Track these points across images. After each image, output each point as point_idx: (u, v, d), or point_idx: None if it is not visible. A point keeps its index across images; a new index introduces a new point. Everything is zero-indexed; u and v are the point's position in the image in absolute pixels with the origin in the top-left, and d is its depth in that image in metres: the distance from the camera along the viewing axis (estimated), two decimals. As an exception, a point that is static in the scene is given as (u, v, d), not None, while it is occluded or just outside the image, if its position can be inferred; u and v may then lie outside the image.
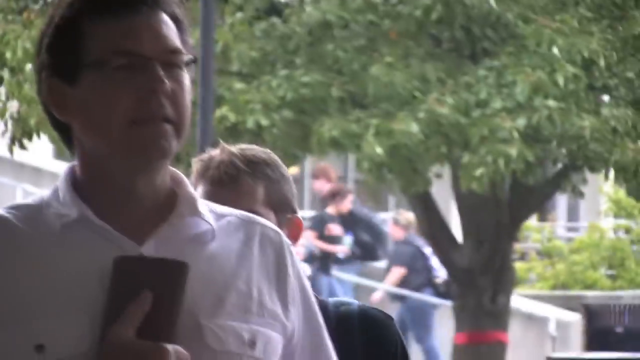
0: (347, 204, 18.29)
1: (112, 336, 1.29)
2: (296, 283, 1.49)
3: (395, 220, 18.74)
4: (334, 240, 17.96)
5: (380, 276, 18.37)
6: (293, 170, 21.34)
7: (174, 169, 1.49)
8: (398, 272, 17.68)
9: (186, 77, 1.41)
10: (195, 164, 2.32)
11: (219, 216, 1.48)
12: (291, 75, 13.41)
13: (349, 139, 13.28)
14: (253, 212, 1.65)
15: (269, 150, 2.41)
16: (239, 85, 13.62)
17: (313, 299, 1.54)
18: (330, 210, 18.29)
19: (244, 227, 1.49)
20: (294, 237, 2.32)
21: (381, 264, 18.73)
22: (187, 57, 1.42)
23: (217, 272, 1.42)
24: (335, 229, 17.91)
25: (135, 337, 1.30)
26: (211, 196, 2.05)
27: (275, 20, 13.64)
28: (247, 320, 1.42)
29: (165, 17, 1.40)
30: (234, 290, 1.42)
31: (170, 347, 1.30)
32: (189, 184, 1.50)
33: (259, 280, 1.44)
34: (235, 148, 2.34)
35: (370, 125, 13.13)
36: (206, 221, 1.45)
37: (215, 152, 2.33)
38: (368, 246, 18.38)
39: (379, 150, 12.97)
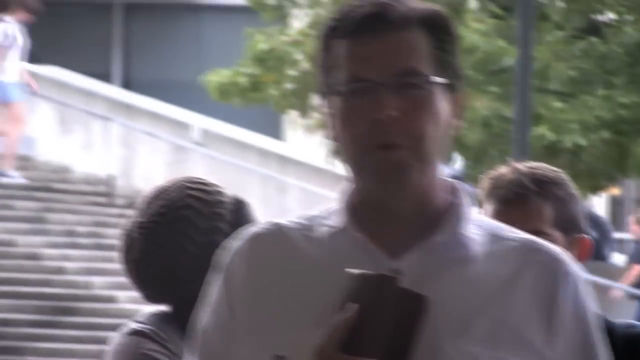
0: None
1: (319, 349, 1.27)
2: (571, 311, 1.39)
3: (637, 219, 18.10)
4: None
5: (612, 275, 17.74)
6: (614, 191, 20.80)
7: (457, 183, 1.46)
8: (638, 270, 17.10)
9: (429, 96, 1.36)
10: (485, 181, 2.29)
11: (498, 239, 1.41)
12: (610, 96, 13.21)
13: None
14: (540, 232, 1.76)
15: (557, 169, 2.35)
16: (557, 104, 13.56)
17: (593, 328, 1.43)
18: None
19: (522, 254, 1.41)
20: (582, 258, 2.26)
21: (617, 261, 18.12)
22: (433, 79, 1.36)
23: (471, 296, 1.36)
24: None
25: (340, 353, 1.26)
26: (499, 215, 2.07)
27: (594, 39, 13.52)
28: (495, 348, 1.34)
29: (407, 36, 1.36)
30: (486, 316, 1.35)
31: None
32: (465, 202, 1.43)
33: (522, 308, 1.37)
34: (524, 167, 2.29)
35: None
36: (469, 243, 1.39)
37: (505, 171, 2.28)
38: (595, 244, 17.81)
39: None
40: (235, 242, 1.44)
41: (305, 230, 1.41)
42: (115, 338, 2.11)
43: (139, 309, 2.69)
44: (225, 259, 1.43)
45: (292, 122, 15.39)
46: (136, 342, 2.07)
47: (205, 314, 1.42)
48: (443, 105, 1.36)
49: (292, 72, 14.02)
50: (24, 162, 15.25)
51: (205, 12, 20.59)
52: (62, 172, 15.55)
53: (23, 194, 14.64)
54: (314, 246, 1.39)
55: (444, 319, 1.31)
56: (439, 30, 1.38)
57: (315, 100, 12.15)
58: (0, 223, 13.81)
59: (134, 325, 2.09)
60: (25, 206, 14.44)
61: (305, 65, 13.55)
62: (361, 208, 1.39)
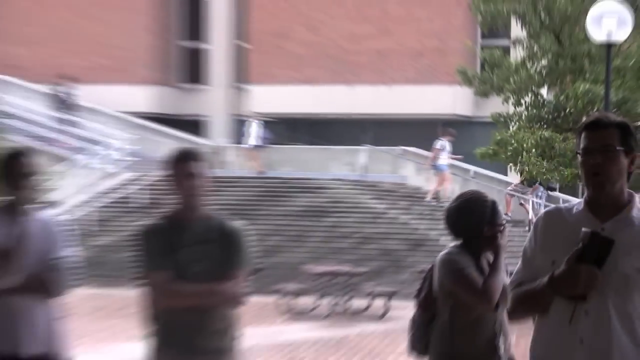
0: None
1: (569, 259, 3.36)
2: None
3: None
4: None
5: None
6: None
7: (632, 193, 3.56)
8: None
9: (617, 157, 3.43)
10: None
11: None
12: None
13: None
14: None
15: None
16: None
17: None
18: None
19: None
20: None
21: None
22: (618, 148, 3.42)
23: (634, 240, 3.44)
24: None
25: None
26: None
27: None
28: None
29: (609, 130, 3.45)
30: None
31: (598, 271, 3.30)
32: (635, 201, 3.54)
33: None
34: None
35: None
36: (635, 219, 3.49)
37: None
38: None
39: None
40: (540, 216, 3.80)
41: (568, 210, 3.61)
42: (439, 256, 4.79)
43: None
44: (537, 221, 3.71)
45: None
46: (452, 257, 4.71)
47: (526, 243, 3.68)
48: (623, 159, 3.44)
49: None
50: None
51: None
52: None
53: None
54: (571, 217, 3.55)
55: (622, 249, 3.34)
56: (624, 129, 3.47)
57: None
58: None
59: (449, 250, 4.77)
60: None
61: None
62: (589, 202, 3.52)
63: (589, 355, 3.41)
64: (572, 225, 3.44)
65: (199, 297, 4.58)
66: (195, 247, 4.63)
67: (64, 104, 26.54)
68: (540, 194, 21.62)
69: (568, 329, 3.43)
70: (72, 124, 26.41)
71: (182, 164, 4.63)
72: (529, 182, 21.32)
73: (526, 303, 3.62)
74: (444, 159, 22.85)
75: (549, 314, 3.50)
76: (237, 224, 4.86)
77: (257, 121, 25.51)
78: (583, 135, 3.47)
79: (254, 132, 25.41)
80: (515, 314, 3.78)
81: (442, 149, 22.81)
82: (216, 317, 4.64)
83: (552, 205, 4.15)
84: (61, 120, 26.45)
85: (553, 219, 3.63)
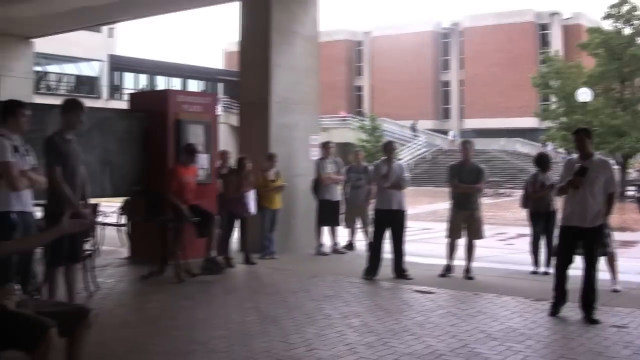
0: None
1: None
2: None
3: None
4: None
5: None
6: None
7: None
8: None
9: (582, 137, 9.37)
10: None
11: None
12: None
13: None
14: None
15: None
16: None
17: None
18: None
19: (600, 162, 9.43)
20: None
21: None
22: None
23: (598, 169, 9.21)
24: None
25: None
26: None
27: None
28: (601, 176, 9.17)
29: None
30: (599, 173, 9.18)
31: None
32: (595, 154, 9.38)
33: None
34: None
35: None
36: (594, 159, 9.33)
37: None
38: None
39: None
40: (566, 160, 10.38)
41: (573, 158, 9.50)
42: None
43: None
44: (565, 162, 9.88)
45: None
46: None
47: (562, 170, 9.62)
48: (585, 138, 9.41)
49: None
50: None
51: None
52: None
53: None
54: (574, 160, 9.38)
55: (591, 170, 9.05)
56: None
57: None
58: None
59: None
60: None
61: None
62: (580, 156, 9.43)
63: (580, 207, 9.19)
64: (575, 163, 9.32)
65: None
66: None
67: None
68: None
69: (574, 199, 9.25)
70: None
71: None
72: None
73: (562, 190, 9.44)
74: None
75: (568, 193, 9.35)
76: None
77: None
78: None
79: None
80: (560, 193, 9.64)
81: None
82: None
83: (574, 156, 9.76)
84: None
85: (570, 162, 9.61)
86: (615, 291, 10.99)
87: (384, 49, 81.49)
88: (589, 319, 9.07)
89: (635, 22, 44.18)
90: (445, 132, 71.66)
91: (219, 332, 8.25)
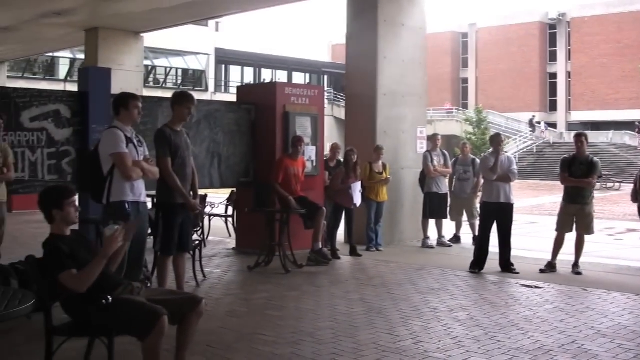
0: None
1: None
2: None
3: None
4: None
5: None
6: None
7: None
8: None
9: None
10: None
11: None
12: None
13: None
14: None
15: None
16: None
17: None
18: None
19: None
20: None
21: None
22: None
23: None
24: None
25: None
26: None
27: None
28: None
29: None
30: None
31: None
32: None
33: None
34: None
35: None
36: None
37: None
38: None
39: None
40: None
41: None
42: None
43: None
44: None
45: None
46: None
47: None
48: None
49: None
50: None
51: None
52: None
53: None
54: None
55: None
56: None
57: None
58: None
59: None
60: None
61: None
62: None
63: None
64: None
65: None
66: None
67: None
68: None
69: None
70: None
71: None
72: None
73: None
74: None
75: None
76: None
77: None
78: None
79: None
80: None
81: None
82: None
83: None
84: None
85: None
86: None
87: (490, 41, 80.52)
88: None
89: None
90: (554, 125, 70.65)
91: (325, 323, 8.30)
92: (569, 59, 77.71)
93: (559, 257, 12.32)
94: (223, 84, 61.31)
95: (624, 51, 70.45)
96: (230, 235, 14.52)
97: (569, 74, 77.80)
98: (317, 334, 7.77)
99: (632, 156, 51.93)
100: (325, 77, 67.35)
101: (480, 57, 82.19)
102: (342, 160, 14.26)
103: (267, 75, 63.05)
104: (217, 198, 15.06)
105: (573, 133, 13.72)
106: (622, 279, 11.84)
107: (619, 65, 70.18)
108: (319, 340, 7.50)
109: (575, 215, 12.28)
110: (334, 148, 14.74)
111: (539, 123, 66.21)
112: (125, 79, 21.67)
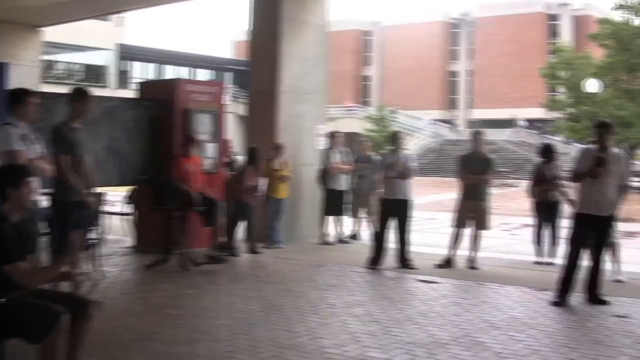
0: None
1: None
2: None
3: None
4: None
5: None
6: None
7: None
8: None
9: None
10: None
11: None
12: None
13: None
14: None
15: None
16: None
17: None
18: None
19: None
20: None
21: None
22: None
23: (615, 162, 9.53)
24: None
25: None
26: None
27: None
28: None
29: None
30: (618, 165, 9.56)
31: None
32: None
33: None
34: None
35: None
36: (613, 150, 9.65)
37: None
38: None
39: None
40: (581, 149, 10.32)
41: (591, 148, 9.77)
42: None
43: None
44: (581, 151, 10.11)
45: None
46: None
47: (580, 156, 9.84)
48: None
49: None
50: None
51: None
52: None
53: None
54: (592, 150, 9.66)
55: (609, 161, 9.42)
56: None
57: None
58: None
59: None
60: None
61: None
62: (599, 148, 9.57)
63: (596, 196, 9.41)
64: (593, 153, 9.48)
65: None
66: None
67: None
68: None
69: (590, 188, 9.42)
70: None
71: None
72: None
73: (579, 177, 9.53)
74: None
75: (584, 182, 9.52)
76: None
77: None
78: None
79: None
80: (576, 180, 9.64)
81: None
82: None
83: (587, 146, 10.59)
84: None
85: (587, 151, 9.76)
86: (618, 281, 11.07)
87: (394, 39, 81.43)
88: (598, 300, 9.45)
89: (645, 12, 44.11)
90: (453, 123, 71.84)
91: (223, 320, 8.31)
92: (471, 58, 79.06)
93: (457, 252, 12.54)
94: (125, 80, 60.53)
95: (524, 51, 72.02)
96: (129, 234, 14.35)
97: (470, 73, 79.18)
98: (214, 332, 7.77)
99: (530, 153, 53.05)
100: (229, 74, 67.01)
101: (384, 55, 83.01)
102: (235, 158, 14.27)
103: (170, 71, 62.47)
104: (116, 196, 14.86)
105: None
106: (516, 272, 12.15)
107: (519, 65, 71.71)
108: (216, 338, 7.51)
109: (472, 211, 12.52)
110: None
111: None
112: (23, 74, 21.19)
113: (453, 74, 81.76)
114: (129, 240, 14.17)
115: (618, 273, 11.26)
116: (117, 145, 13.00)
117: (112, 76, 58.23)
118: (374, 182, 14.89)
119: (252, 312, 8.73)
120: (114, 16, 51.89)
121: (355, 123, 60.30)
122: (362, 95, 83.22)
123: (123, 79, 59.51)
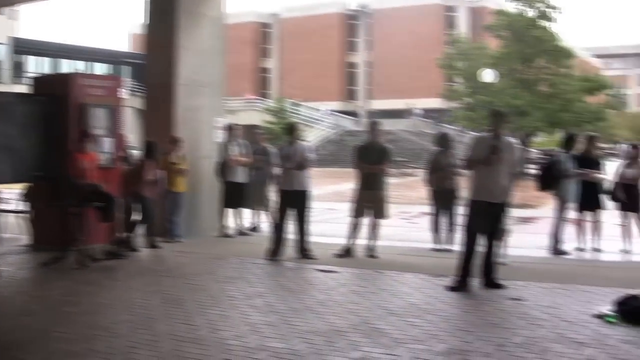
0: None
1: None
2: None
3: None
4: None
5: None
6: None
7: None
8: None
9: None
10: None
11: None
12: None
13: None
14: None
15: None
16: None
17: None
18: None
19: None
20: None
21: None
22: None
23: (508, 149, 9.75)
24: None
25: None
26: None
27: None
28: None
29: None
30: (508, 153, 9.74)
31: None
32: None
33: None
34: None
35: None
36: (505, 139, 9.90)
37: None
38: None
39: None
40: (475, 136, 11.42)
41: (486, 136, 9.88)
42: None
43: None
44: (475, 138, 10.56)
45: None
46: None
47: (474, 144, 10.13)
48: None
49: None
50: None
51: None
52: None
53: None
54: (488, 138, 9.76)
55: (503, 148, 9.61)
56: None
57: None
58: None
59: None
60: None
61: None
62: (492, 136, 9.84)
63: (489, 183, 9.62)
64: (487, 141, 9.67)
65: None
66: None
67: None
68: None
69: (483, 175, 9.65)
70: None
71: None
72: None
73: (472, 165, 9.78)
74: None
75: (479, 168, 9.71)
76: None
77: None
78: None
79: None
80: (470, 168, 9.90)
81: None
82: None
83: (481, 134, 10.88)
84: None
85: (481, 139, 10.01)
86: (502, 264, 11.34)
87: (292, 31, 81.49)
88: (493, 284, 9.73)
89: (538, 4, 45.12)
90: (353, 114, 72.41)
91: (122, 316, 8.26)
92: (371, 50, 79.68)
93: (356, 241, 12.69)
94: (20, 75, 59.29)
95: (421, 42, 72.83)
96: (24, 232, 14.10)
97: (369, 64, 79.78)
98: (113, 328, 7.73)
99: (428, 142, 53.83)
100: (127, 67, 66.21)
101: (283, 47, 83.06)
102: (131, 152, 14.16)
103: (66, 66, 61.42)
104: (10, 193, 14.60)
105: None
106: (414, 260, 12.36)
107: (417, 56, 72.46)
108: (115, 334, 7.47)
109: (370, 201, 12.67)
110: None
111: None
112: None
113: (352, 65, 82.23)
114: (24, 239, 13.93)
115: (503, 257, 11.56)
116: (11, 141, 12.75)
117: (5, 71, 56.97)
118: (270, 174, 14.91)
119: (152, 307, 8.70)
120: (7, 9, 50.76)
121: (255, 115, 60.30)
122: (262, 88, 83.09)
123: (17, 73, 58.31)
